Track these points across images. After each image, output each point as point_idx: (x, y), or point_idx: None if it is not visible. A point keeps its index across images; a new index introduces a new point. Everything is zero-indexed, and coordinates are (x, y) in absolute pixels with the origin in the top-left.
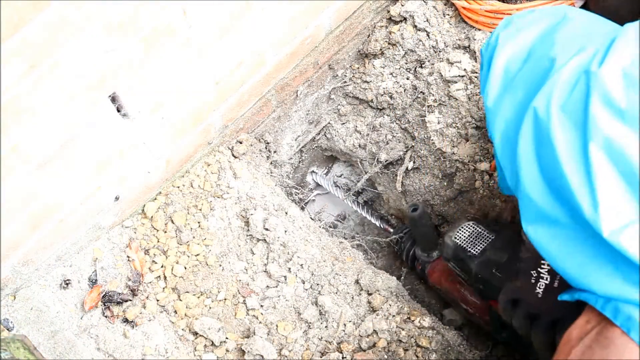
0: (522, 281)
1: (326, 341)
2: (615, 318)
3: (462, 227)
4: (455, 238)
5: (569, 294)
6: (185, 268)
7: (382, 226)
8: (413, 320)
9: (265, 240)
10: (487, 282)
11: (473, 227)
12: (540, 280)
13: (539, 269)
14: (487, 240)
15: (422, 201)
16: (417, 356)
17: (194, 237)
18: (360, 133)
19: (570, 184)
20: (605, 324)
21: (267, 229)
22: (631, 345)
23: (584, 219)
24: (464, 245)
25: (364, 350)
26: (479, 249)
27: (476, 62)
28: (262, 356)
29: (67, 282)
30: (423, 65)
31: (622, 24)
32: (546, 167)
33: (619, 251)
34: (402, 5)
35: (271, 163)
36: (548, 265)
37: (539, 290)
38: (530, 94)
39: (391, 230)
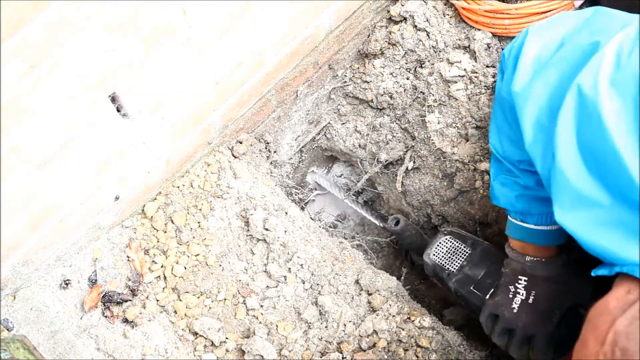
0: (500, 296)
1: (326, 341)
2: None
3: (440, 243)
4: (434, 255)
5: (607, 269)
6: (185, 268)
7: (381, 225)
8: (413, 321)
9: (265, 240)
10: (466, 300)
11: (450, 242)
12: (517, 295)
13: (516, 284)
14: (464, 256)
15: (410, 209)
16: (417, 356)
17: (194, 237)
18: (360, 133)
19: (622, 157)
20: None
21: (267, 229)
22: None
23: (628, 193)
24: (442, 263)
25: (364, 351)
26: (456, 266)
27: (476, 62)
28: (262, 356)
29: (67, 282)
30: (423, 65)
31: None
32: (587, 144)
33: None
34: (402, 5)
35: (271, 163)
36: (525, 281)
37: (515, 306)
38: (567, 76)
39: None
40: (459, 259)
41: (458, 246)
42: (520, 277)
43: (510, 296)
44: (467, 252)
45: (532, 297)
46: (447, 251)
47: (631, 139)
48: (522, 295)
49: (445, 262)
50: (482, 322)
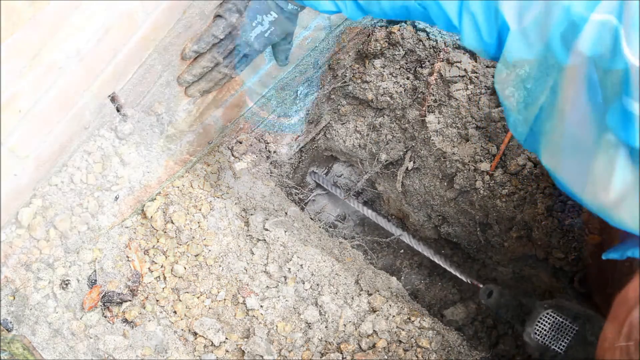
0: None
1: (326, 341)
2: None
3: (541, 319)
4: (536, 334)
5: (618, 252)
6: (185, 268)
7: (469, 282)
8: (413, 321)
9: (265, 240)
10: None
11: (553, 317)
12: None
13: None
14: (572, 333)
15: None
16: (417, 356)
17: (193, 237)
18: (360, 133)
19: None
20: None
21: (266, 229)
22: None
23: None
24: (547, 343)
25: (364, 351)
26: (563, 345)
27: (476, 62)
28: (262, 356)
29: (67, 282)
30: (423, 65)
31: None
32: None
33: None
34: None
35: (271, 163)
36: None
37: None
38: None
39: (481, 285)
40: (565, 337)
41: (562, 321)
42: None
43: None
44: (574, 329)
45: None
46: (550, 328)
47: None
48: None
49: (550, 342)
50: None
